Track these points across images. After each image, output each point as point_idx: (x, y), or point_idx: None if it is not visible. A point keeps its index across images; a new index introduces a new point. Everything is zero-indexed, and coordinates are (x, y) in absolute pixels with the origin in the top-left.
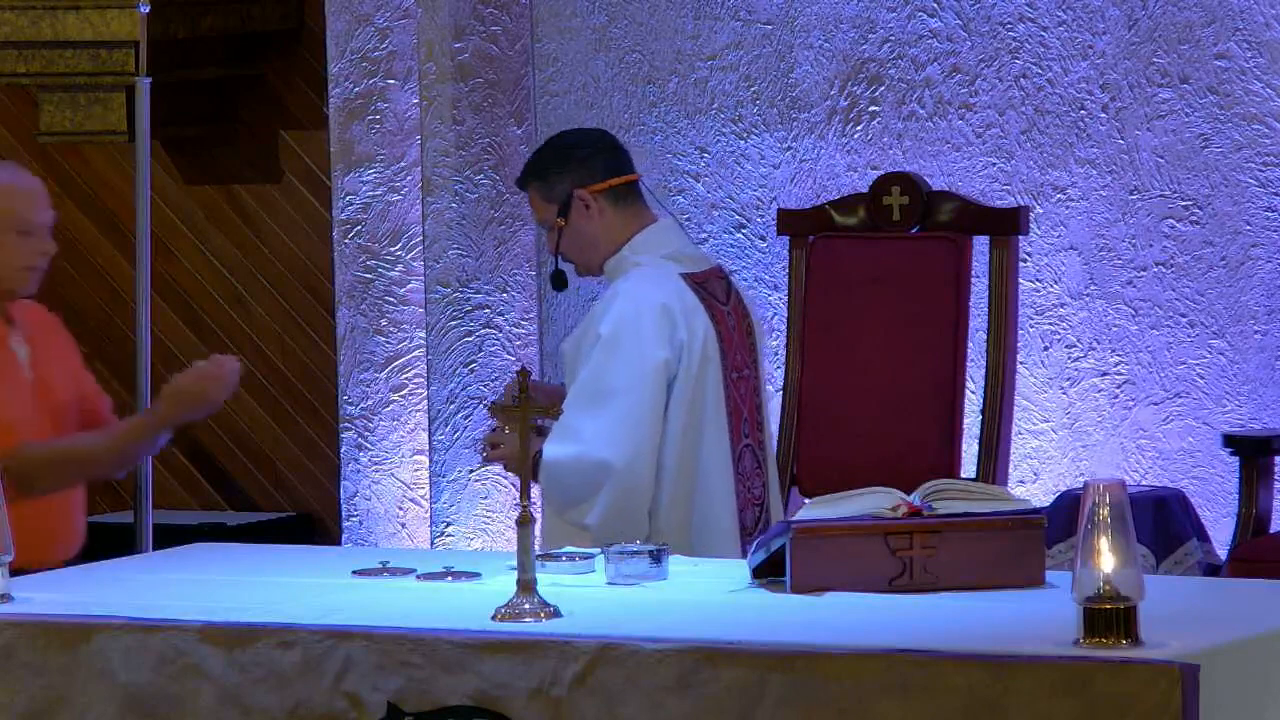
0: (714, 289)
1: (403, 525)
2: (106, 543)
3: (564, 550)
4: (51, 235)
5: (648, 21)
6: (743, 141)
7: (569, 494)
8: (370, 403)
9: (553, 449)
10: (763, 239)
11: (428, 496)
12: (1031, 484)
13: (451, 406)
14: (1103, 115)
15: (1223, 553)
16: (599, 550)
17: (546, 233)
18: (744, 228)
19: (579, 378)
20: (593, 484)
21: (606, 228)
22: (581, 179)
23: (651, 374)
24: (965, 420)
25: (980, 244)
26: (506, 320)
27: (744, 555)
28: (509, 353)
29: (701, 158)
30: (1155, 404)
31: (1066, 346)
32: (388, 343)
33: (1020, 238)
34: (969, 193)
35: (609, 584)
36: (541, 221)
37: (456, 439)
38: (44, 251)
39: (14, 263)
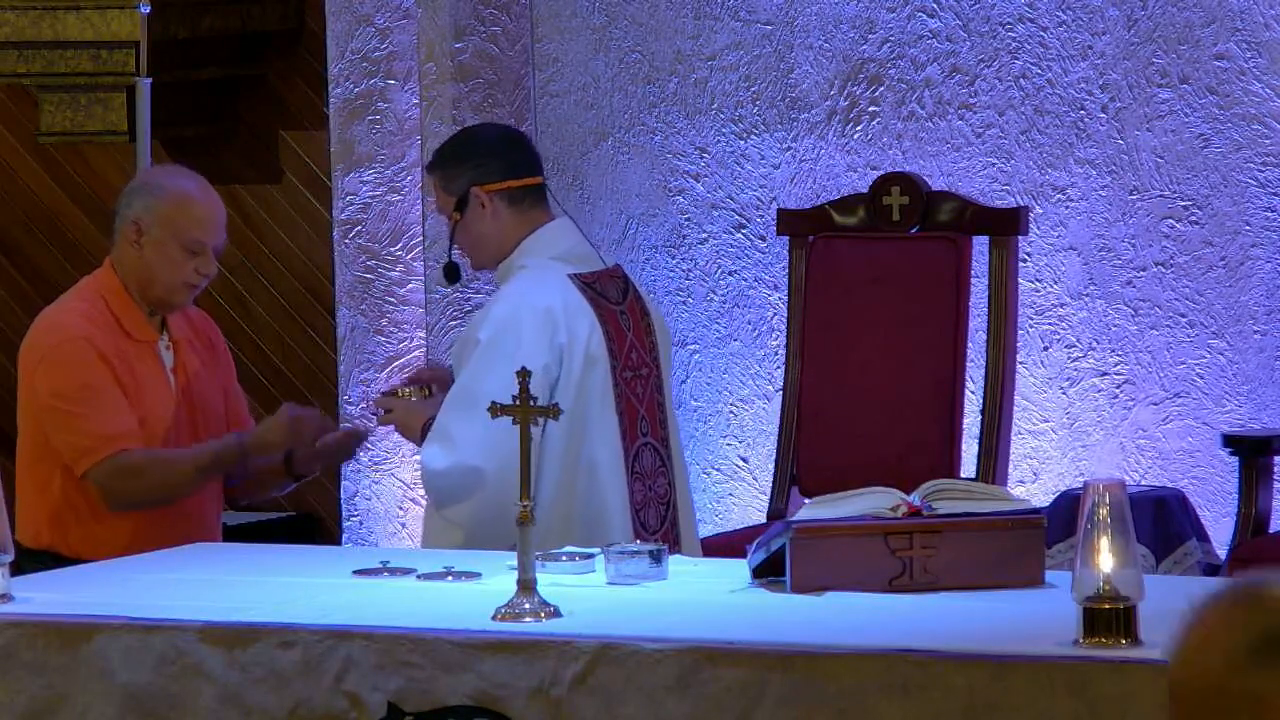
0: (605, 289)
1: (403, 525)
2: None
3: (564, 550)
4: (217, 259)
5: (648, 21)
6: (743, 141)
7: (441, 496)
8: (370, 403)
9: (428, 451)
10: (763, 239)
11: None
12: (1031, 484)
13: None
14: (1102, 115)
15: (1222, 553)
16: (599, 550)
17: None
18: (744, 228)
19: (457, 381)
20: (464, 489)
21: (499, 228)
22: (479, 177)
23: (539, 389)
24: (965, 420)
25: (980, 244)
26: None
27: None
28: None
29: (701, 158)
30: (1155, 404)
31: (1066, 346)
32: (388, 343)
33: (1020, 238)
34: (969, 193)
35: (609, 584)
36: (439, 211)
37: None
38: (205, 273)
39: (174, 276)
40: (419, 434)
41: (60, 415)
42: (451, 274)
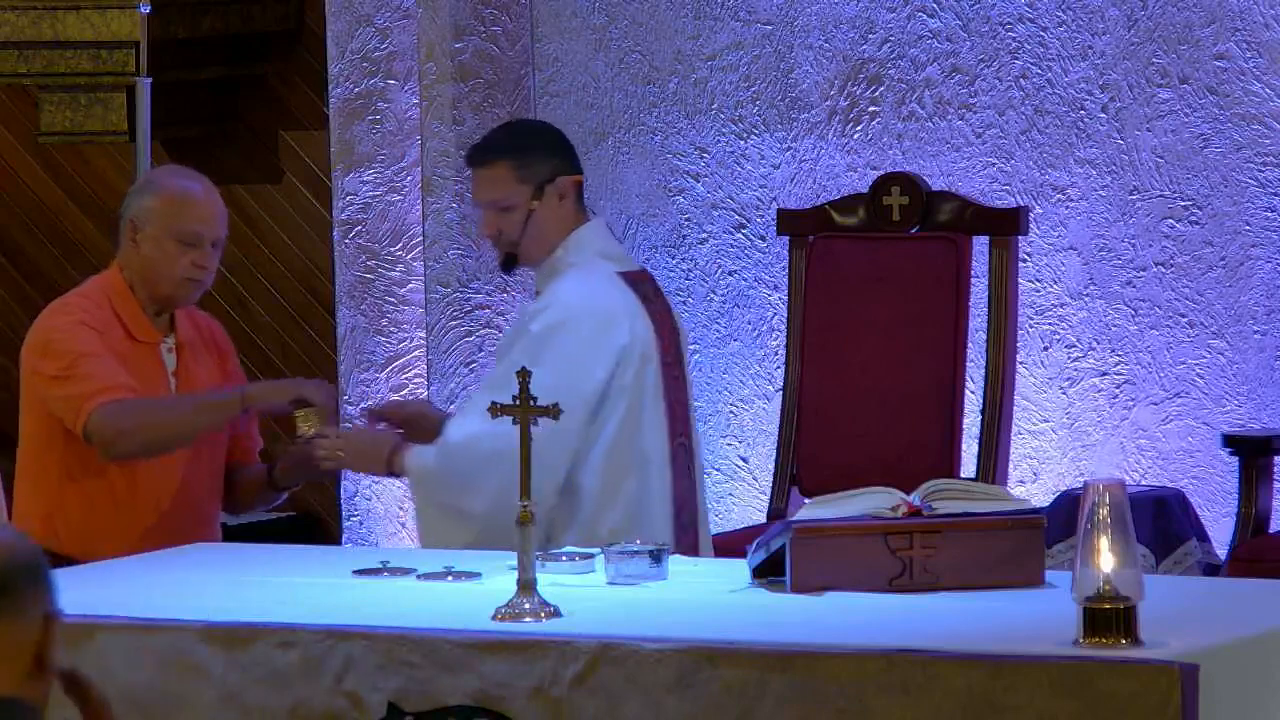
0: (643, 287)
1: (403, 525)
2: None
3: (564, 550)
4: (218, 254)
5: (648, 21)
6: (743, 141)
7: (465, 476)
8: (370, 403)
9: (454, 424)
10: (763, 239)
11: None
12: (1031, 484)
13: (451, 407)
14: (1102, 115)
15: (1222, 553)
16: (599, 550)
17: (490, 213)
18: (744, 228)
19: (499, 366)
20: (489, 461)
21: (560, 221)
22: (564, 166)
23: (582, 393)
24: (965, 420)
25: (980, 244)
26: (506, 320)
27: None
28: None
29: (701, 158)
30: (1155, 404)
31: (1066, 346)
32: (388, 343)
33: (1020, 238)
34: (969, 193)
35: (609, 584)
36: (497, 199)
37: None
38: (201, 265)
39: (171, 271)
40: (383, 462)
41: (57, 381)
42: (512, 263)
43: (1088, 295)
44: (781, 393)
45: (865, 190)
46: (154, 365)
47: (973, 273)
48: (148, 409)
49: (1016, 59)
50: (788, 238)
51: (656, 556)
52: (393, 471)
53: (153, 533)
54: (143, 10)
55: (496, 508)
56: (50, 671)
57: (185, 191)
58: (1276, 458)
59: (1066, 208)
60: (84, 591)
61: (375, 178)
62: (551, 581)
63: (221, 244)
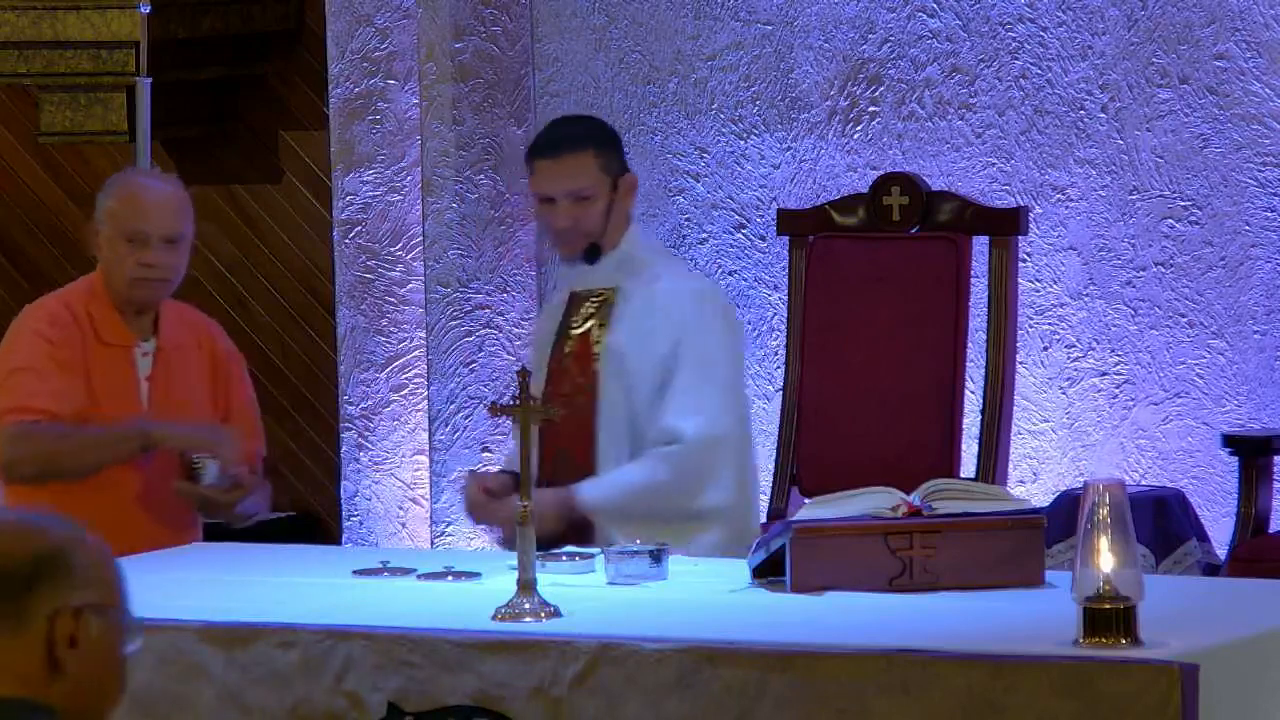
0: None
1: (403, 525)
2: None
3: (564, 550)
4: (177, 251)
5: (648, 21)
6: (743, 141)
7: (708, 472)
8: (370, 403)
9: (693, 424)
10: (763, 239)
11: (428, 496)
12: (1031, 484)
13: (451, 406)
14: (1102, 115)
15: (1222, 553)
16: (599, 550)
17: (566, 203)
18: (744, 228)
19: (679, 377)
20: (728, 458)
21: (625, 215)
22: (626, 163)
23: (741, 355)
24: (965, 420)
25: (980, 244)
26: (506, 320)
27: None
28: (509, 353)
29: (701, 158)
30: (1155, 404)
31: (1066, 346)
32: (388, 343)
33: (1020, 238)
34: (969, 193)
35: (609, 584)
36: (579, 189)
37: (456, 439)
38: (148, 264)
39: (120, 270)
40: (552, 521)
41: None
42: (596, 254)
43: (1088, 295)
44: (781, 393)
45: (865, 190)
46: (123, 369)
47: (973, 273)
48: (46, 439)
49: (1016, 59)
50: (788, 238)
51: (656, 556)
52: (571, 514)
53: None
54: (143, 10)
55: (740, 495)
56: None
57: (136, 190)
58: (1276, 458)
59: (1066, 208)
60: None
61: (375, 178)
62: (551, 581)
63: (182, 240)
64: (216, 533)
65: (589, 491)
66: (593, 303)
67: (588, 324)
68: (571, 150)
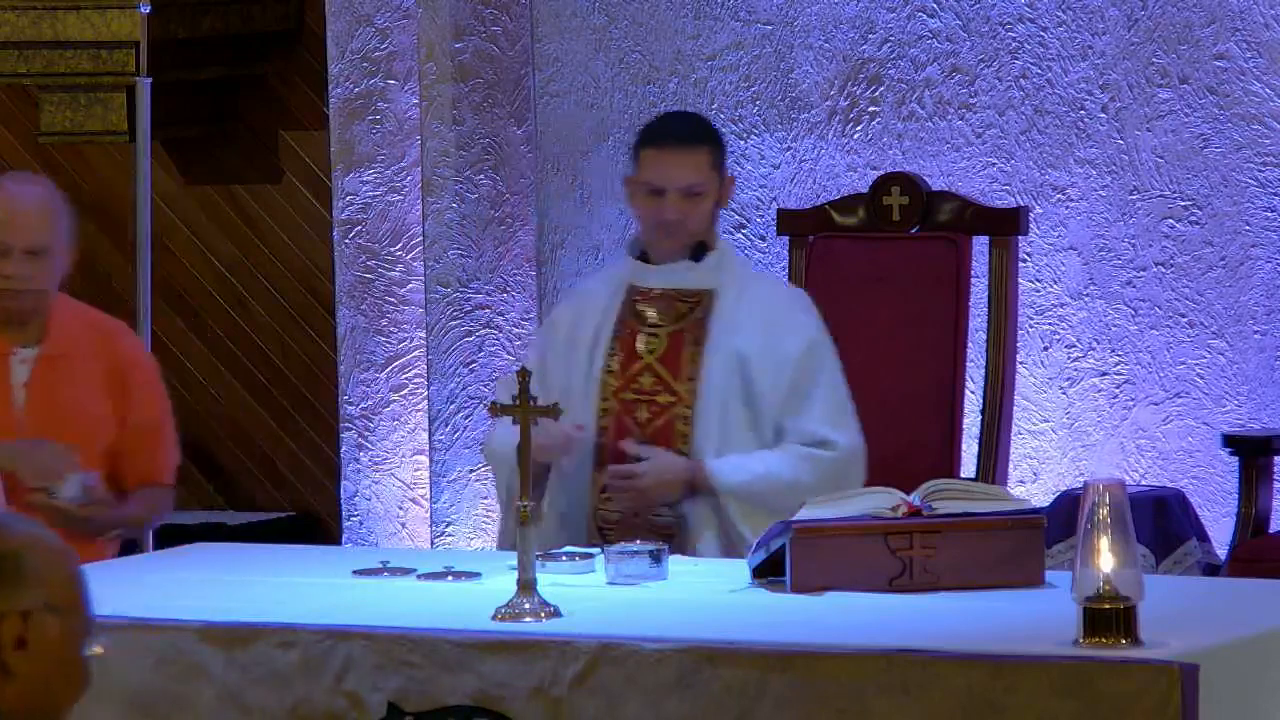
0: None
1: (403, 525)
2: None
3: (564, 550)
4: (41, 262)
5: (648, 21)
6: (743, 141)
7: (832, 489)
8: (370, 403)
9: (845, 434)
10: (763, 239)
11: (428, 496)
12: (1031, 484)
13: (451, 406)
14: (1102, 115)
15: (1222, 553)
16: (599, 550)
17: (677, 197)
18: (744, 228)
19: (820, 383)
20: (853, 476)
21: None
22: None
23: None
24: (965, 420)
25: (980, 244)
26: (506, 320)
27: None
28: (509, 353)
29: None
30: (1155, 404)
31: (1066, 346)
32: (388, 343)
33: (1020, 238)
34: (969, 193)
35: (609, 584)
36: (694, 184)
37: (456, 439)
38: (5, 274)
39: None
40: (678, 488)
41: None
42: (703, 251)
43: (1088, 295)
44: None
45: (865, 190)
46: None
47: (973, 273)
48: None
49: (1016, 59)
50: (788, 238)
51: (656, 556)
52: (695, 486)
53: None
54: (143, 10)
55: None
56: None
57: (1, 199)
58: (1276, 458)
59: (1066, 208)
60: None
61: (375, 178)
62: (551, 581)
63: (47, 252)
64: (219, 534)
65: (724, 471)
66: (685, 302)
67: (680, 322)
68: (691, 145)
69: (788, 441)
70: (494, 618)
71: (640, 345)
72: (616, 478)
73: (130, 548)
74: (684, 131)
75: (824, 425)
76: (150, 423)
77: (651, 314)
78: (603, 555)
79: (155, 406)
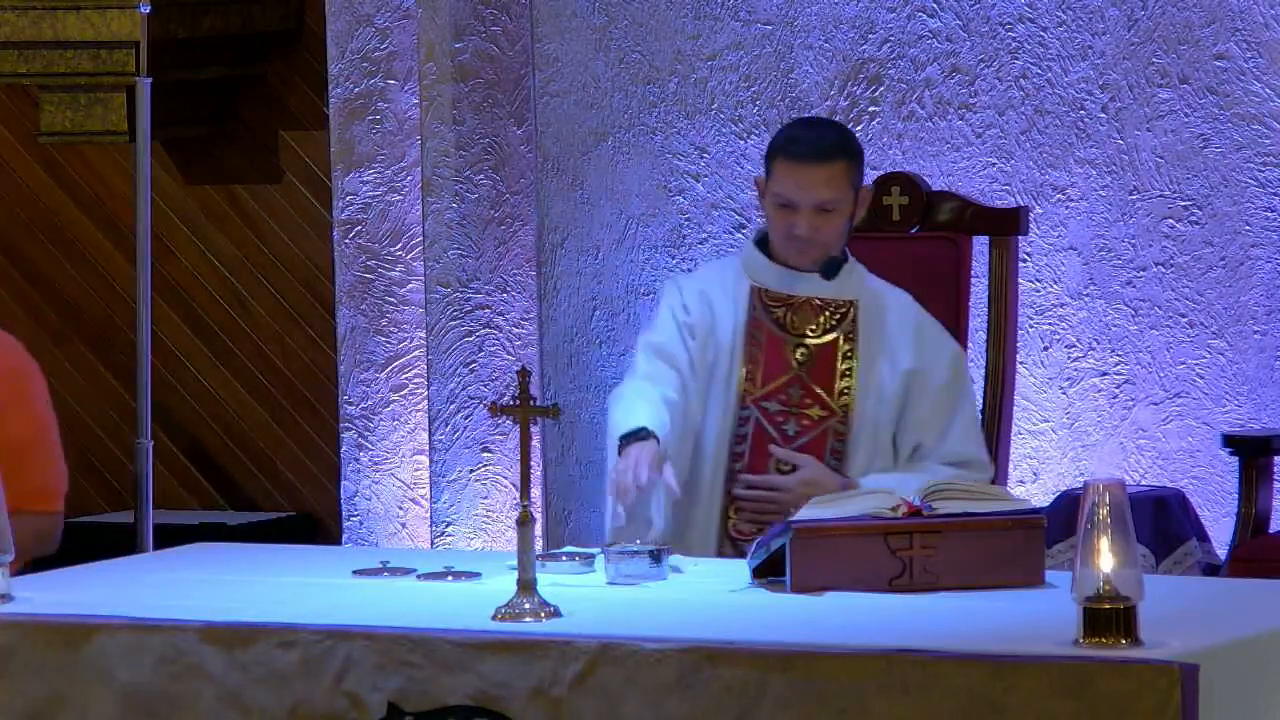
0: None
1: (403, 525)
2: (106, 543)
3: (564, 550)
4: None
5: (648, 21)
6: (743, 141)
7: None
8: (370, 403)
9: (975, 445)
10: None
11: (428, 496)
12: (1031, 484)
13: (451, 406)
14: (1102, 115)
15: (1222, 553)
16: (599, 550)
17: (809, 211)
18: (744, 228)
19: (963, 403)
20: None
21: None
22: None
23: None
24: None
25: (980, 244)
26: (506, 320)
27: None
28: (509, 353)
29: (701, 158)
30: (1155, 404)
31: (1066, 346)
32: (388, 343)
33: (1020, 238)
34: (969, 193)
35: (609, 584)
36: (828, 200)
37: (456, 439)
38: None
39: None
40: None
41: None
42: (835, 269)
43: (1088, 295)
44: None
45: None
46: None
47: (973, 273)
48: None
49: (1016, 59)
50: None
51: (656, 556)
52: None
53: None
54: (143, 10)
55: None
56: None
57: None
58: (1276, 458)
59: (1066, 208)
60: (83, 591)
61: (375, 178)
62: (551, 581)
63: None
64: (219, 534)
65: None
66: (833, 314)
67: (829, 334)
68: (828, 159)
69: (929, 461)
70: (494, 618)
71: (790, 356)
72: (758, 488)
73: (130, 548)
74: (820, 145)
75: (967, 444)
76: (22, 440)
77: (796, 322)
78: (603, 555)
79: (33, 424)
